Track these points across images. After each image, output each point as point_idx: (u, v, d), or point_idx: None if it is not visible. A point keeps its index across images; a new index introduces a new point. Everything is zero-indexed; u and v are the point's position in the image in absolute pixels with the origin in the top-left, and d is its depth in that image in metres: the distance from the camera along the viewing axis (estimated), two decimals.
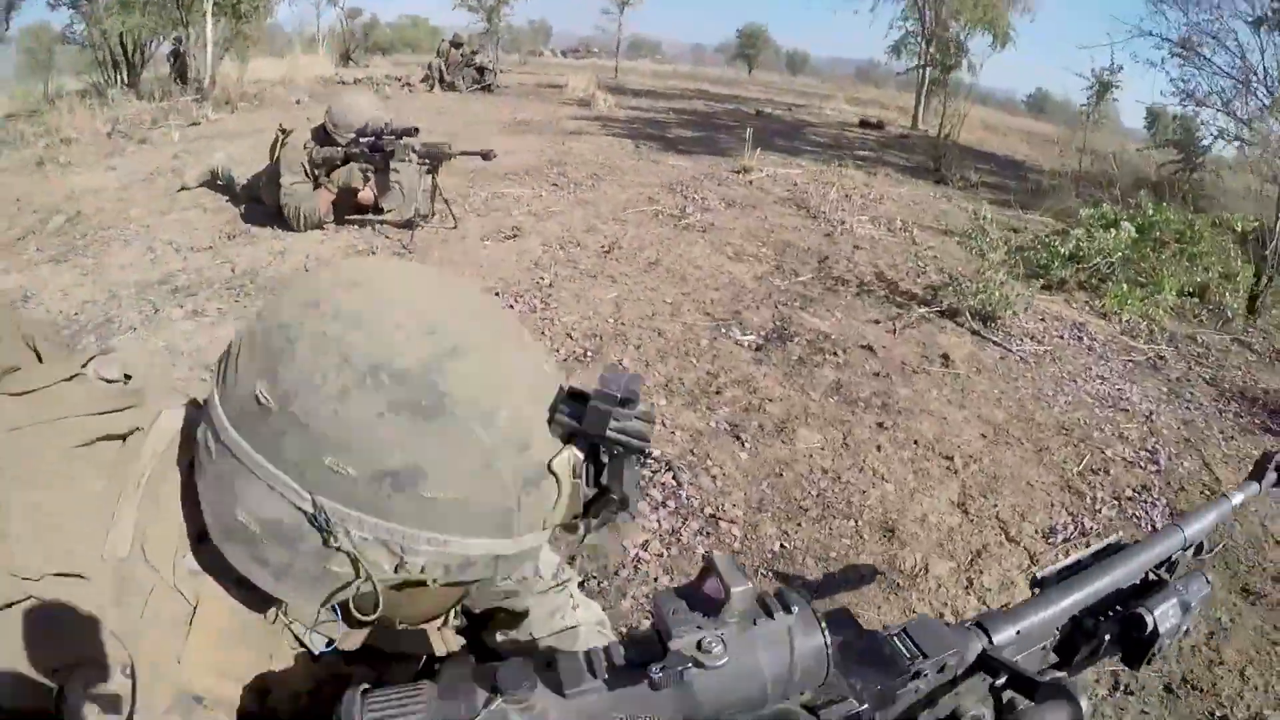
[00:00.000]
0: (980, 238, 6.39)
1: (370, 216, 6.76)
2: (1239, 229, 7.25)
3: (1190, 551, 1.19)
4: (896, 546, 3.80)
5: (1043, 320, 6.31)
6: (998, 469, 4.45)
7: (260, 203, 6.77)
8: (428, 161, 6.39)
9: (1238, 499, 1.27)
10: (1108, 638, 1.04)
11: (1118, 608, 1.06)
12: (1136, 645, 1.03)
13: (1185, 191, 9.68)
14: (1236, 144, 9.77)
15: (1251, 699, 3.24)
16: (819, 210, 8.78)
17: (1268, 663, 3.44)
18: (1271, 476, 1.31)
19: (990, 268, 6.00)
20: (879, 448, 4.52)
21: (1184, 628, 1.06)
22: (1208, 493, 4.44)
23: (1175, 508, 4.31)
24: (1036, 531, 4.01)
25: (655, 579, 3.47)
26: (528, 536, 0.81)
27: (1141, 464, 4.63)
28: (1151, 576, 1.13)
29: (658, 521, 3.84)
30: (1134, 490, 4.42)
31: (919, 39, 16.52)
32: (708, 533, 3.81)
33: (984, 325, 5.99)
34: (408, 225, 6.59)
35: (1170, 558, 1.15)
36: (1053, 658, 1.05)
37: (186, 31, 14.27)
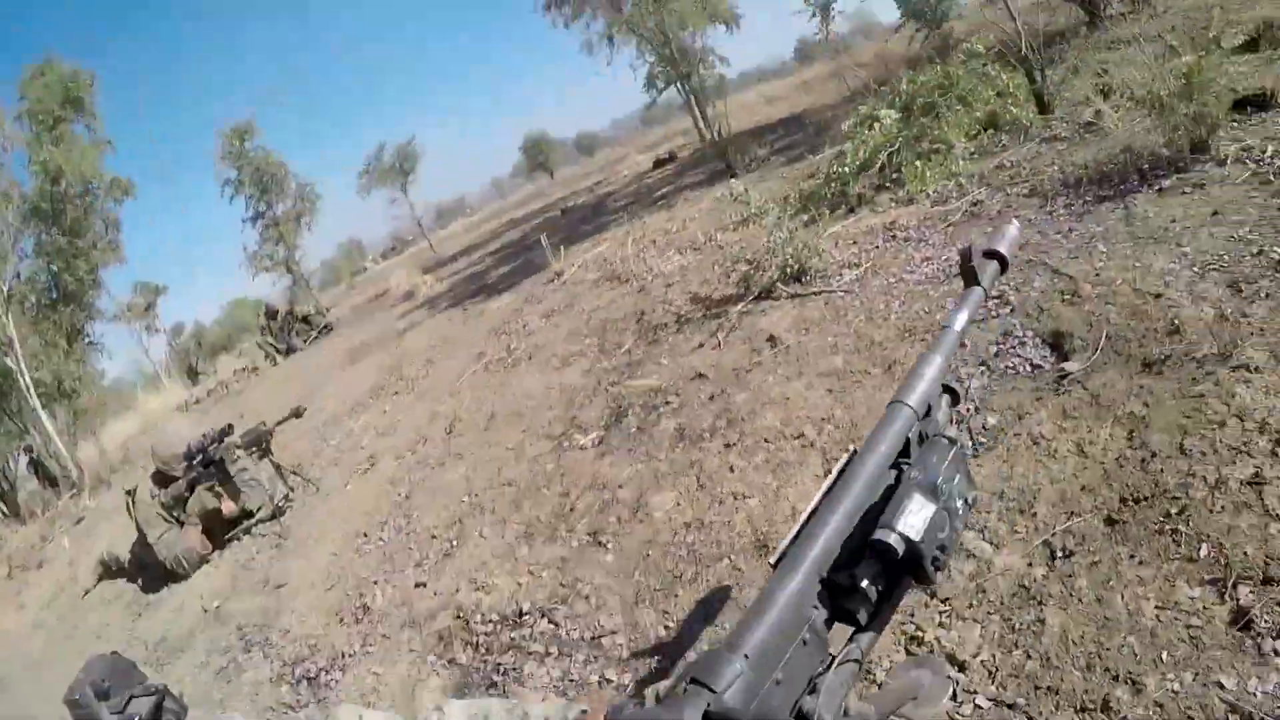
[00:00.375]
0: (758, 208, 6.22)
1: (246, 523, 6.70)
2: (981, 49, 7.25)
3: (944, 407, 1.08)
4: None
5: (853, 243, 6.15)
6: (852, 414, 4.13)
7: (148, 568, 6.70)
8: (255, 449, 6.60)
9: (960, 321, 1.16)
10: (875, 586, 0.87)
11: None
12: (907, 569, 0.88)
13: (938, 50, 9.80)
14: None
15: (1202, 469, 2.87)
16: (628, 273, 8.65)
17: (1203, 420, 3.06)
18: (992, 267, 1.24)
19: (774, 228, 5.79)
20: (731, 469, 4.19)
21: (956, 508, 0.92)
22: (1067, 297, 4.17)
23: (1044, 332, 4.02)
24: None
25: None
26: None
27: (994, 313, 4.32)
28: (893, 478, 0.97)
29: (547, 673, 3.58)
30: (996, 343, 4.12)
31: (663, 65, 17.07)
32: (595, 657, 3.52)
33: (799, 284, 5.81)
34: (275, 515, 6.67)
35: (908, 441, 0.99)
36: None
37: (32, 436, 14.28)
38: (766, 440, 4.29)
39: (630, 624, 3.55)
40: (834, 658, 0.85)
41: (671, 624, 3.41)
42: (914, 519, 0.86)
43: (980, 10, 10.40)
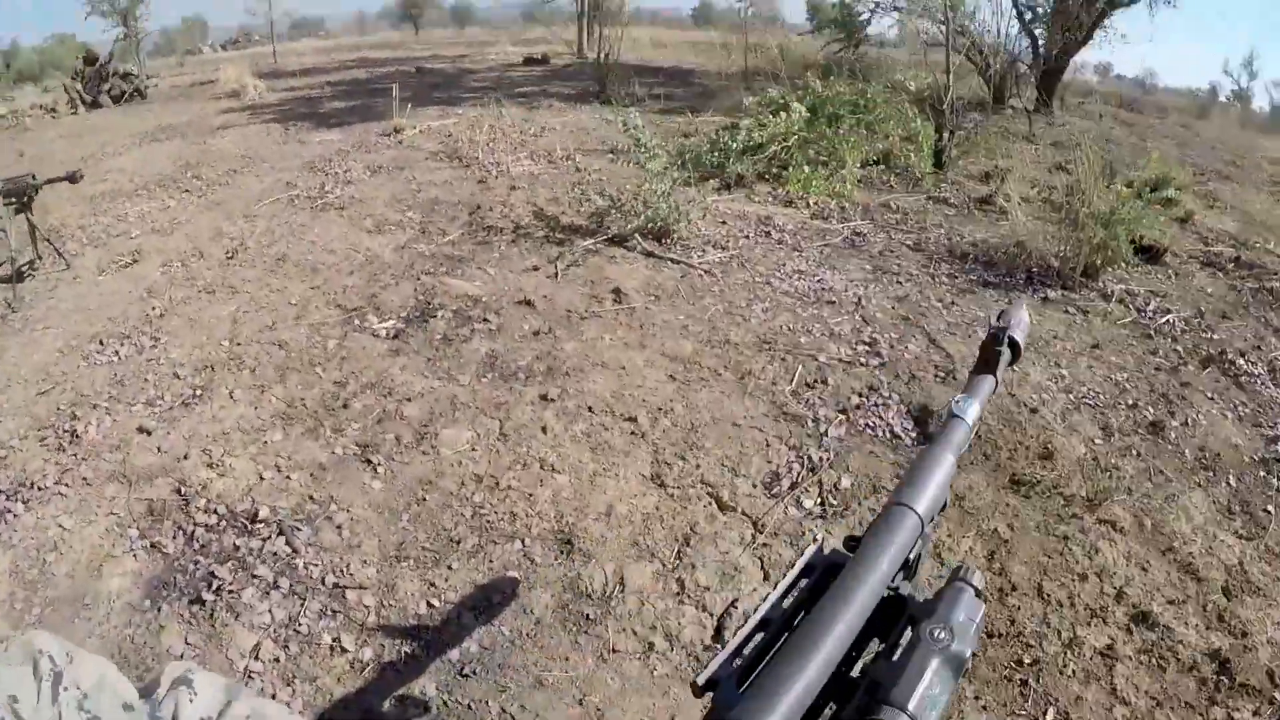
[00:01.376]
0: (638, 149, 5.45)
1: None
2: (912, 87, 6.91)
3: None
4: (580, 562, 2.76)
5: (723, 223, 5.56)
6: (694, 415, 3.53)
7: None
8: (14, 201, 5.34)
9: (973, 414, 0.96)
10: None
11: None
12: None
13: (852, 65, 9.46)
14: (895, 13, 9.69)
15: (1059, 621, 2.50)
16: (472, 158, 7.59)
17: (1064, 565, 2.73)
18: (1006, 354, 1.10)
19: (652, 178, 5.07)
20: (545, 429, 3.46)
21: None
22: (941, 375, 3.77)
23: (911, 403, 3.58)
24: (755, 485, 3.14)
25: (275, 694, 2.31)
26: None
27: (862, 360, 3.91)
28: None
29: (269, 612, 2.62)
30: (860, 394, 3.69)
31: None
32: (333, 611, 2.64)
33: (658, 244, 5.14)
34: (12, 279, 5.35)
35: (910, 555, 0.74)
36: None
37: None
38: (591, 409, 3.61)
39: (385, 584, 2.73)
40: None
41: (436, 602, 2.65)
42: (928, 697, 0.61)
43: (910, 48, 10.14)
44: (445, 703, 2.28)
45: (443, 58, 19.44)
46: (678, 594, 2.64)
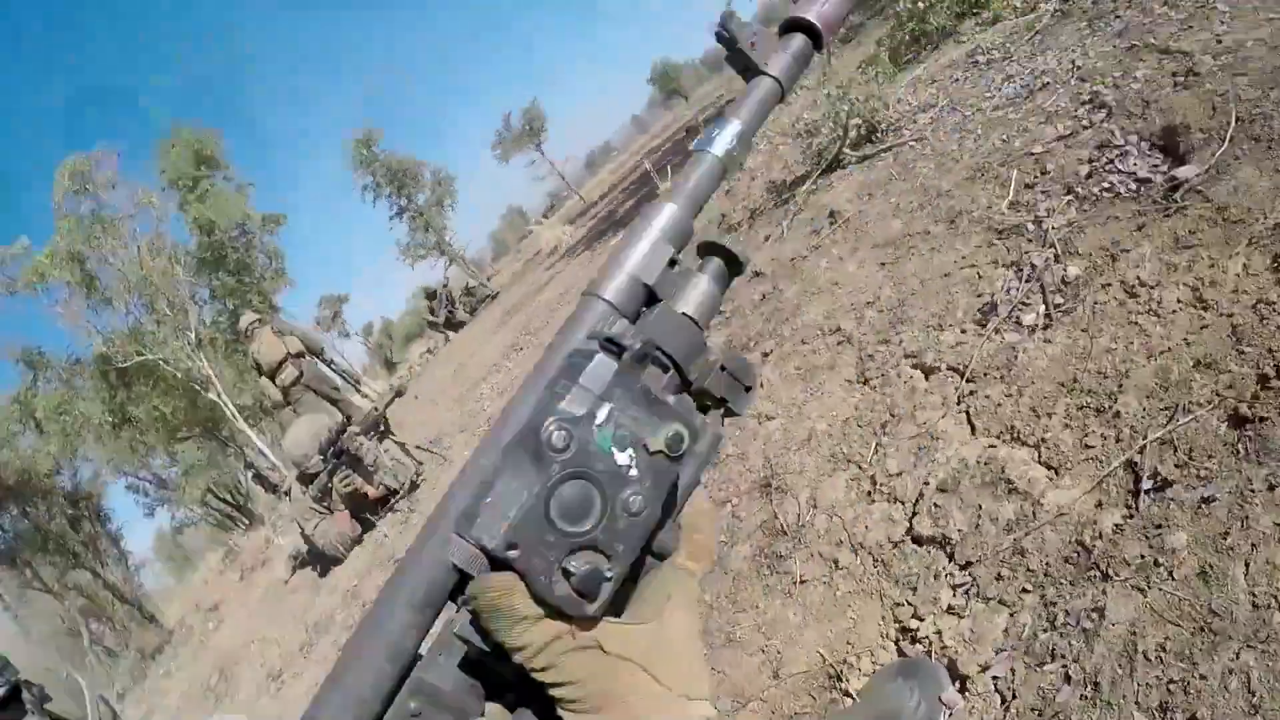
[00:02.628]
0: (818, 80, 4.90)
1: (392, 500, 6.66)
2: None
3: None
4: (776, 500, 2.39)
5: (933, 83, 4.69)
6: (901, 290, 2.96)
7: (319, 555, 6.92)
8: (372, 433, 6.47)
9: (723, 140, 0.73)
10: None
11: None
12: None
13: None
14: None
15: None
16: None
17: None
18: (796, 44, 0.77)
19: (826, 91, 4.53)
20: (762, 384, 3.12)
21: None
22: (1180, 81, 2.70)
23: (1152, 132, 2.63)
24: (964, 330, 2.51)
25: None
26: None
27: (1085, 122, 2.97)
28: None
29: None
30: (1089, 160, 2.77)
31: None
32: None
33: (870, 144, 4.47)
34: (413, 489, 6.56)
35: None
36: None
37: (248, 454, 15.52)
38: (804, 342, 3.19)
39: None
40: None
41: None
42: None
43: None
44: None
45: (709, 105, 19.79)
46: (869, 493, 2.14)
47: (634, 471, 0.59)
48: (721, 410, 0.88)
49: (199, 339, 14.38)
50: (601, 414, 0.59)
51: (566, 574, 0.56)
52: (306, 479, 6.42)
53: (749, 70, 0.86)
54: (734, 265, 0.86)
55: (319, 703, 0.58)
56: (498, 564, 0.57)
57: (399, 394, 6.85)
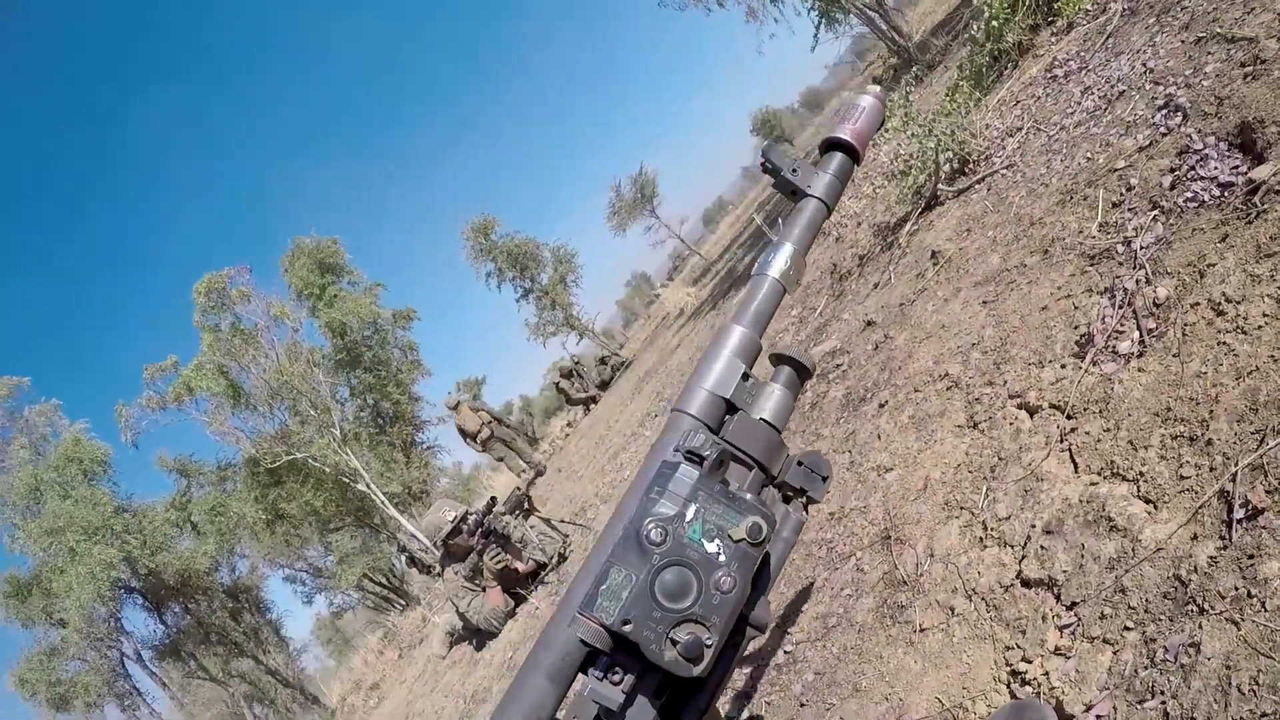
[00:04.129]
0: (901, 117, 4.91)
1: (542, 574, 6.97)
2: None
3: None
4: (896, 551, 2.44)
5: (1017, 105, 4.59)
6: (1003, 328, 2.96)
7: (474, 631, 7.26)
8: (517, 511, 6.92)
9: (777, 265, 0.92)
10: None
11: None
12: None
13: None
14: None
15: None
16: (828, 224, 7.47)
17: None
18: (837, 163, 0.95)
19: (912, 129, 4.55)
20: (879, 436, 3.21)
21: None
22: (1249, 71, 2.61)
23: (1227, 130, 2.55)
24: (1063, 365, 2.50)
25: None
26: None
27: (1163, 128, 2.89)
28: None
29: None
30: (1170, 170, 2.71)
31: None
32: None
33: (964, 176, 4.45)
34: (561, 561, 6.84)
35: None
36: None
37: (400, 539, 16.18)
38: (916, 390, 3.20)
39: (755, 645, 2.72)
40: None
41: (790, 647, 2.55)
42: None
43: None
44: None
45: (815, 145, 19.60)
46: (980, 539, 2.15)
47: (722, 557, 0.75)
48: (804, 499, 1.03)
49: (343, 434, 15.16)
50: (690, 513, 0.75)
51: (673, 642, 0.72)
52: (453, 558, 6.77)
53: (795, 194, 1.00)
54: (802, 371, 1.00)
55: None
56: (616, 638, 0.73)
57: (540, 474, 7.22)
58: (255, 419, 15.54)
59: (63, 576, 14.85)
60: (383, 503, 14.71)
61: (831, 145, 0.99)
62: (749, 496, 0.80)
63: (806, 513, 0.99)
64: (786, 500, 1.01)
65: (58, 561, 15.02)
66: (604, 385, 16.44)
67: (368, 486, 14.70)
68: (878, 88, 1.05)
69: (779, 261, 0.97)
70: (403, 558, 17.13)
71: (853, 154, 0.99)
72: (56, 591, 14.97)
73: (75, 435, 16.16)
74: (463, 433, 13.15)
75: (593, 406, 16.17)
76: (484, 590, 6.68)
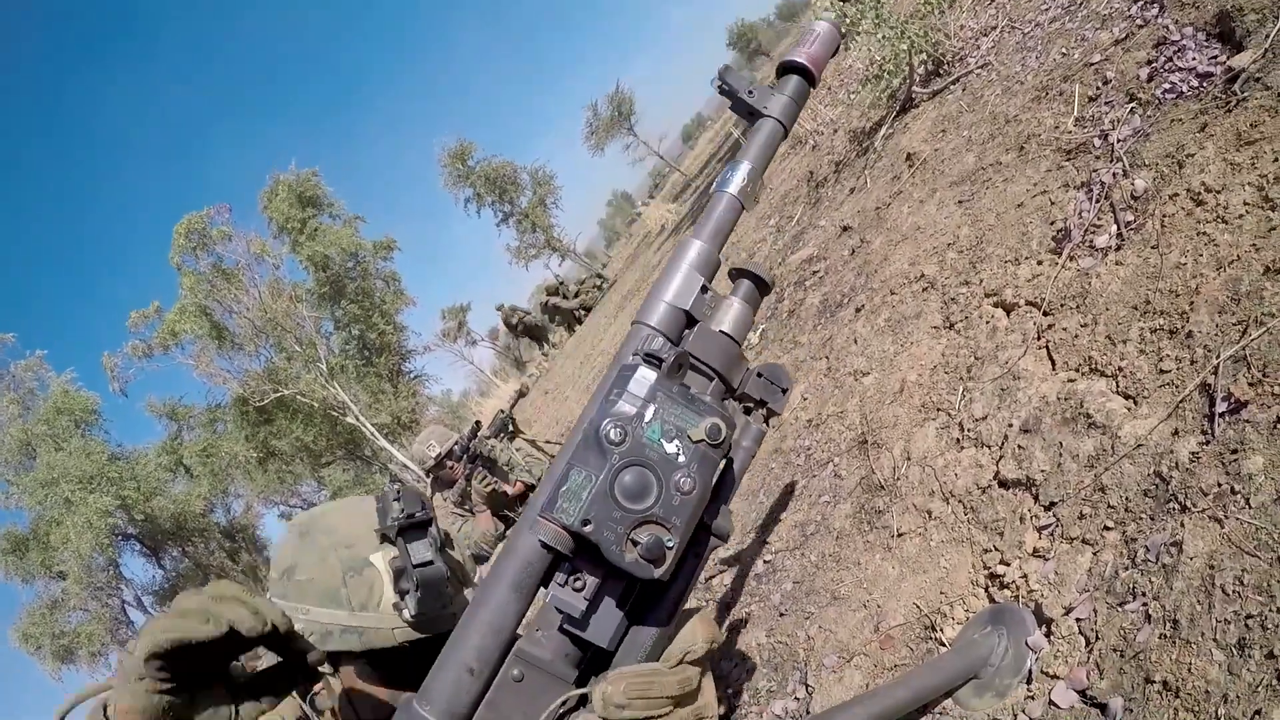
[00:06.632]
0: (843, 13, 4.59)
1: (530, 495, 6.89)
2: None
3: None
4: (872, 455, 2.36)
5: (991, 2, 4.32)
6: (979, 226, 2.81)
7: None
8: (503, 434, 6.56)
9: (737, 180, 0.89)
10: None
11: None
12: None
13: None
14: None
15: None
16: (804, 134, 7.18)
17: None
18: (792, 86, 0.91)
19: (875, 31, 4.28)
20: (856, 340, 3.10)
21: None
22: None
23: (1204, 20, 2.36)
24: (1040, 261, 2.36)
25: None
26: (362, 614, 1.16)
27: (1140, 20, 2.68)
28: None
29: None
30: (1148, 61, 2.52)
31: None
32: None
33: (939, 76, 4.22)
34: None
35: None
36: None
37: (391, 470, 16.11)
38: (892, 293, 3.08)
39: (733, 553, 2.67)
40: None
41: (770, 557, 2.50)
42: None
43: None
44: (770, 644, 2.12)
45: None
46: (957, 440, 2.06)
47: (682, 458, 0.67)
48: (764, 411, 0.94)
49: (330, 368, 14.81)
50: (649, 413, 0.66)
51: (634, 544, 0.64)
52: (442, 485, 6.58)
53: (752, 114, 0.92)
54: (761, 285, 0.92)
55: (434, 675, 0.69)
56: (577, 538, 0.65)
57: (522, 394, 6.97)
58: (241, 358, 15.19)
59: (60, 528, 14.62)
60: (372, 434, 14.53)
61: (787, 69, 0.90)
62: (708, 398, 0.74)
63: (767, 425, 0.89)
64: (747, 412, 0.92)
65: (54, 513, 14.77)
66: (586, 308, 16.20)
67: (357, 419, 14.49)
68: (833, 14, 0.96)
69: (737, 179, 0.90)
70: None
71: (808, 77, 0.89)
72: (54, 544, 14.75)
73: (63, 387, 15.78)
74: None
75: (580, 314, 15.89)
76: (473, 515, 6.55)
